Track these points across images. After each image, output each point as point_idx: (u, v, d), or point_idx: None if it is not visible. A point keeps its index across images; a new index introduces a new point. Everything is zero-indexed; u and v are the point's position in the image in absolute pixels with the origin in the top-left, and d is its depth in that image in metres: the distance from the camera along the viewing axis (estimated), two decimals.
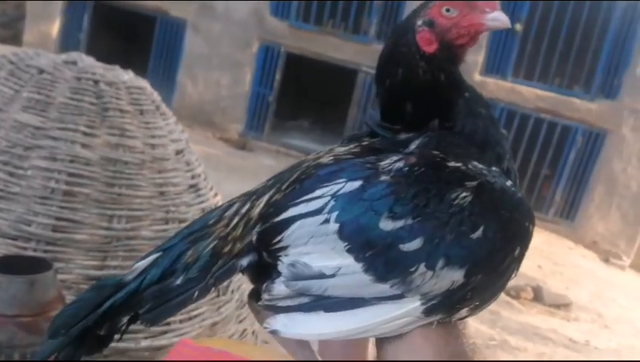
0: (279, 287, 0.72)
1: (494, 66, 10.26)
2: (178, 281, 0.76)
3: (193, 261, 0.77)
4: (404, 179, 0.73)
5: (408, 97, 0.81)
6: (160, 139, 2.37)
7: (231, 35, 11.18)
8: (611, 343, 6.25)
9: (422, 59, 0.80)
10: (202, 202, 2.47)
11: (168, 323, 2.14)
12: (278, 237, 0.73)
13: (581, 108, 10.03)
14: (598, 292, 7.80)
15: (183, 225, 2.31)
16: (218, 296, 2.33)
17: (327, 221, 0.72)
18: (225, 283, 2.29)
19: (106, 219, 2.15)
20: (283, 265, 0.72)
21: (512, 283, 0.81)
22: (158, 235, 2.24)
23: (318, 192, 0.74)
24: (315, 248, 0.71)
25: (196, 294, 0.76)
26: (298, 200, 0.74)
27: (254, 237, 0.76)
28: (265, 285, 0.73)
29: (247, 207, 0.79)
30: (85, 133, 2.19)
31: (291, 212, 0.74)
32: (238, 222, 0.78)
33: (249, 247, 0.76)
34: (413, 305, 0.70)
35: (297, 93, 12.32)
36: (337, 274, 0.70)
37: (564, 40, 9.95)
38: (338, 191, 0.73)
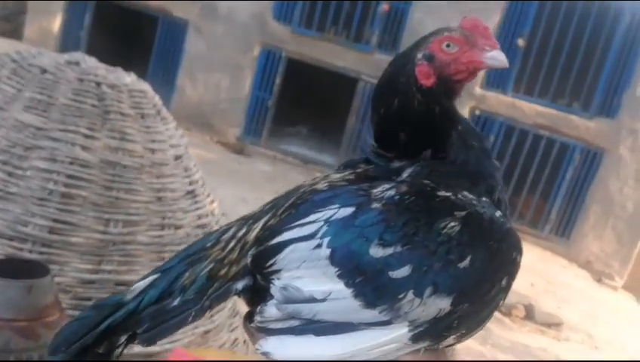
0: (271, 310, 0.74)
1: (495, 80, 10.27)
2: (175, 302, 0.79)
3: (190, 283, 0.79)
4: (394, 207, 0.75)
5: (402, 127, 0.83)
6: (160, 143, 2.37)
7: (233, 38, 11.18)
8: None
9: (418, 91, 0.82)
10: (199, 208, 2.47)
11: None
12: (272, 261, 0.75)
13: (580, 125, 10.05)
14: (590, 312, 7.78)
15: (179, 231, 2.34)
16: None
17: (319, 246, 0.73)
18: None
19: (103, 223, 2.15)
20: (275, 288, 0.74)
21: None
22: (154, 241, 2.24)
23: (312, 217, 0.76)
24: (306, 272, 0.73)
25: (192, 315, 0.79)
26: (292, 225, 0.76)
27: (249, 260, 0.78)
28: (258, 307, 0.75)
29: (243, 231, 0.81)
30: (86, 136, 2.20)
31: (285, 236, 0.76)
32: (234, 246, 0.80)
33: (244, 271, 0.78)
34: (400, 332, 0.72)
35: (297, 99, 12.30)
36: (328, 299, 0.72)
37: (565, 57, 9.98)
38: (331, 216, 0.75)
